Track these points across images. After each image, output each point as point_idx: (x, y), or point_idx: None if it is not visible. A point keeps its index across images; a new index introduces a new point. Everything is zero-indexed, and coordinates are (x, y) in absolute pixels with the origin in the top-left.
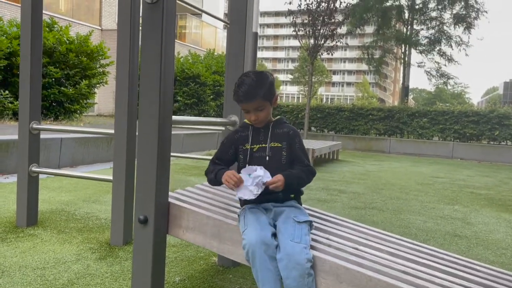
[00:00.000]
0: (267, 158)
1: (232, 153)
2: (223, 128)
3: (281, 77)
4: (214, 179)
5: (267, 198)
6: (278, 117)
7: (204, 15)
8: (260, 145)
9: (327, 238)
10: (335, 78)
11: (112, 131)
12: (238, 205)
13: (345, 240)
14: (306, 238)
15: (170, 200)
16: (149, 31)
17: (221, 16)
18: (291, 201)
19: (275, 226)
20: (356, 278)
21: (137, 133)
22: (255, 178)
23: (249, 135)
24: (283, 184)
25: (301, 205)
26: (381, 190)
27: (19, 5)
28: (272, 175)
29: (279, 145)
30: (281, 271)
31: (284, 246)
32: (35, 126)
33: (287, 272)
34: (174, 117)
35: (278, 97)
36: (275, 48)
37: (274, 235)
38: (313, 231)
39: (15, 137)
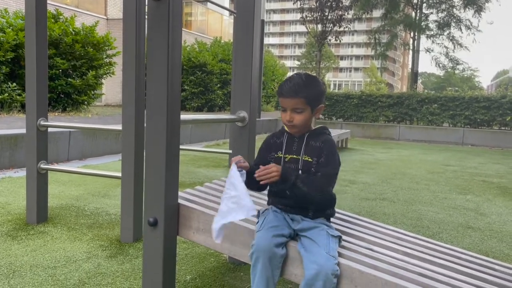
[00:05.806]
0: (300, 172)
1: (272, 158)
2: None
3: (288, 63)
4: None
5: (296, 211)
6: (319, 126)
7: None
8: (292, 156)
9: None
10: (343, 63)
11: (120, 128)
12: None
13: (359, 240)
14: (336, 254)
15: (179, 200)
16: (155, 29)
17: (227, 2)
18: (321, 219)
19: (294, 236)
20: (371, 282)
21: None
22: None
23: (283, 142)
24: (279, 172)
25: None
26: (392, 180)
27: None
28: None
29: (310, 160)
30: (307, 276)
31: (317, 256)
32: (42, 123)
33: (312, 281)
34: (182, 117)
35: (323, 109)
36: (281, 34)
37: (286, 244)
38: None
39: (24, 130)
